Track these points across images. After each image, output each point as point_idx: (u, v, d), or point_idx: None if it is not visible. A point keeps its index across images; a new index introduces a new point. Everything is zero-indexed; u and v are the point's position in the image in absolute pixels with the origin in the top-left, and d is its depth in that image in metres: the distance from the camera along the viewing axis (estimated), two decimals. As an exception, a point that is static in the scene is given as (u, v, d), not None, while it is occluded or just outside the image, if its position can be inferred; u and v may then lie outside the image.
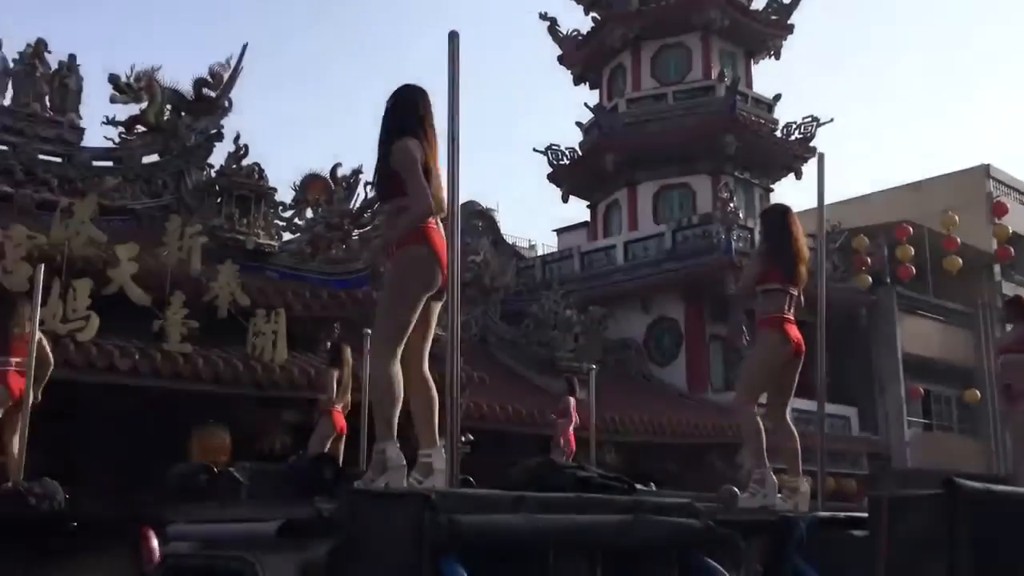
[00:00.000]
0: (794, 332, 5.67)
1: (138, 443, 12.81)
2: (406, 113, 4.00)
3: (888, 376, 23.29)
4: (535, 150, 25.10)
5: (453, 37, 3.68)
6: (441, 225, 3.91)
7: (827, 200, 5.69)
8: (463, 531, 2.51)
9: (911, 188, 27.32)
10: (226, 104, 15.94)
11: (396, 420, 3.62)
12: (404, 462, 3.42)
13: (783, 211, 5.98)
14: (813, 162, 23.59)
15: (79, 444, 12.71)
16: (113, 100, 15.24)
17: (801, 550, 4.43)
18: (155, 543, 5.66)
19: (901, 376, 23.20)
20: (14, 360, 7.05)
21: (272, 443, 12.46)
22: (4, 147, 14.15)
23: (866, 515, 4.34)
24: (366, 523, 2.64)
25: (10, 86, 14.58)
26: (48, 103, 14.77)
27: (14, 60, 14.61)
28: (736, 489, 5.33)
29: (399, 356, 3.74)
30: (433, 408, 3.72)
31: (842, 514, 4.95)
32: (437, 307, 3.94)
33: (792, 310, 5.72)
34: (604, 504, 2.95)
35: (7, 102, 14.46)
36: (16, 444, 6.82)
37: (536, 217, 67.47)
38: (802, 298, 5.86)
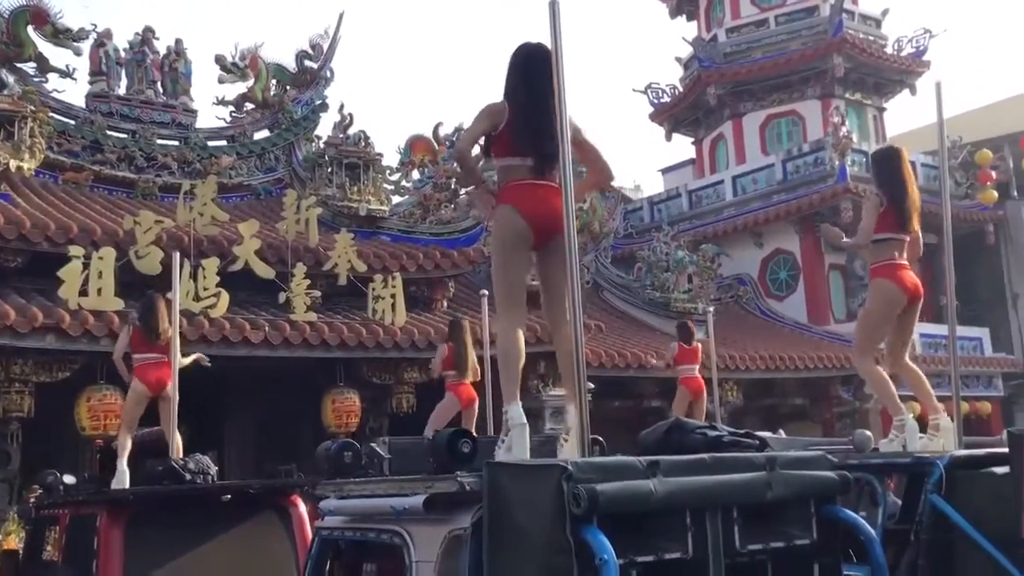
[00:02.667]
0: (909, 278, 5.56)
1: (275, 409, 13.45)
2: (506, 78, 4.06)
3: (1021, 292, 22.35)
4: (635, 90, 24.77)
5: (554, 5, 3.67)
6: (550, 177, 3.88)
7: (946, 113, 5.52)
8: (601, 500, 2.59)
9: (1036, 94, 25.85)
10: (328, 75, 16.28)
11: (517, 380, 3.70)
12: (524, 421, 3.50)
13: (890, 155, 5.83)
14: (928, 77, 22.74)
15: (221, 414, 13.40)
16: (221, 80, 15.74)
17: (939, 490, 4.37)
18: (303, 510, 5.97)
19: (1034, 292, 22.25)
20: (152, 356, 7.38)
21: (399, 402, 12.88)
22: (124, 135, 14.81)
23: (1006, 451, 4.25)
24: (507, 495, 2.75)
25: (123, 75, 15.19)
26: (160, 88, 15.34)
27: (124, 50, 15.19)
28: (869, 433, 5.28)
29: (515, 315, 3.82)
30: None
31: (981, 451, 4.85)
32: (552, 259, 3.91)
33: (904, 255, 5.60)
34: (737, 463, 2.98)
35: (122, 91, 15.07)
36: (169, 425, 7.20)
37: (641, 158, 66.57)
38: (920, 237, 5.71)
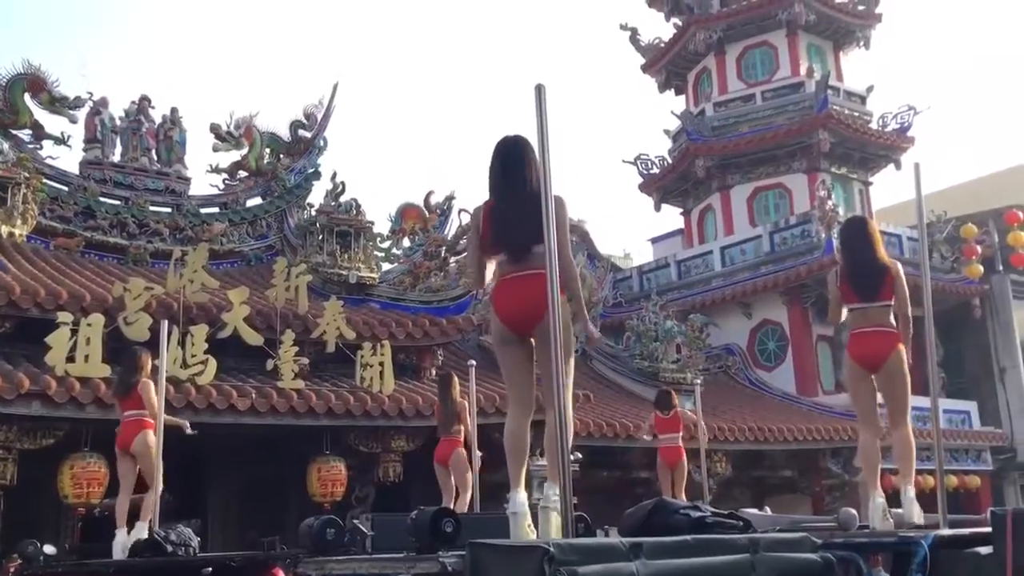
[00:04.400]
0: (862, 346, 5.66)
1: (259, 477, 13.32)
2: (489, 176, 4.19)
3: (1008, 366, 22.44)
4: (624, 161, 25.12)
5: (540, 90, 3.77)
6: (527, 265, 3.95)
7: (931, 188, 5.68)
8: (583, 582, 2.60)
9: (1018, 170, 26.30)
10: (321, 143, 16.47)
11: (519, 468, 3.75)
12: (526, 510, 3.54)
13: (845, 226, 6.11)
14: (912, 152, 23.12)
15: (205, 482, 13.26)
16: (215, 148, 15.90)
17: (924, 570, 4.37)
18: (285, 583, 5.91)
19: (1022, 365, 22.32)
20: (127, 413, 7.39)
21: (386, 471, 12.78)
22: (116, 201, 14.89)
23: (989, 530, 4.27)
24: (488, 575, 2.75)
25: (118, 142, 15.33)
26: (155, 156, 15.48)
27: (120, 117, 15.35)
28: (854, 511, 5.29)
29: (518, 407, 3.88)
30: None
31: (965, 531, 4.86)
32: (540, 342, 3.98)
33: (868, 322, 5.69)
34: (720, 545, 2.99)
35: (116, 158, 15.20)
36: (149, 493, 7.15)
37: (630, 228, 67.15)
38: (898, 297, 5.80)
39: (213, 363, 11.37)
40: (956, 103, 64.54)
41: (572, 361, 3.94)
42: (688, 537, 2.99)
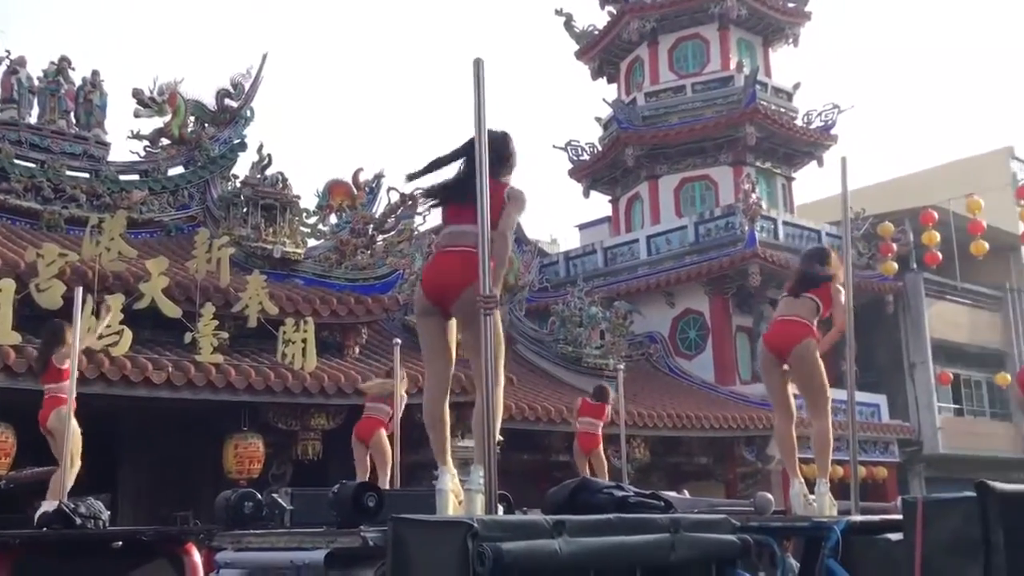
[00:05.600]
0: (770, 332, 5.89)
1: (175, 453, 13.04)
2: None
3: (918, 362, 23.18)
4: (555, 147, 25.17)
5: (478, 64, 3.74)
6: (459, 243, 3.96)
7: (850, 186, 5.78)
8: (506, 559, 2.58)
9: (935, 172, 27.11)
10: (248, 114, 16.10)
11: (443, 443, 3.72)
12: (448, 487, 3.51)
13: (815, 248, 6.40)
14: (835, 150, 23.64)
15: (118, 457, 12.93)
16: (137, 114, 15.41)
17: (836, 555, 4.47)
18: (198, 560, 5.78)
19: (930, 361, 23.08)
20: (46, 388, 7.19)
21: (304, 449, 12.63)
22: (32, 164, 14.34)
23: (900, 518, 4.37)
24: (411, 552, 2.72)
25: (35, 104, 14.77)
26: (74, 119, 14.95)
27: (39, 78, 14.79)
28: (770, 496, 5.39)
29: (433, 382, 3.85)
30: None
31: (876, 518, 4.99)
32: (459, 320, 3.96)
33: (786, 311, 5.88)
34: (642, 524, 3.01)
35: (33, 120, 14.64)
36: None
37: (558, 214, 67.46)
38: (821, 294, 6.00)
39: (129, 334, 11.07)
40: (877, 104, 66.28)
41: (503, 349, 3.92)
42: (611, 516, 3.00)
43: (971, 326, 24.34)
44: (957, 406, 24.55)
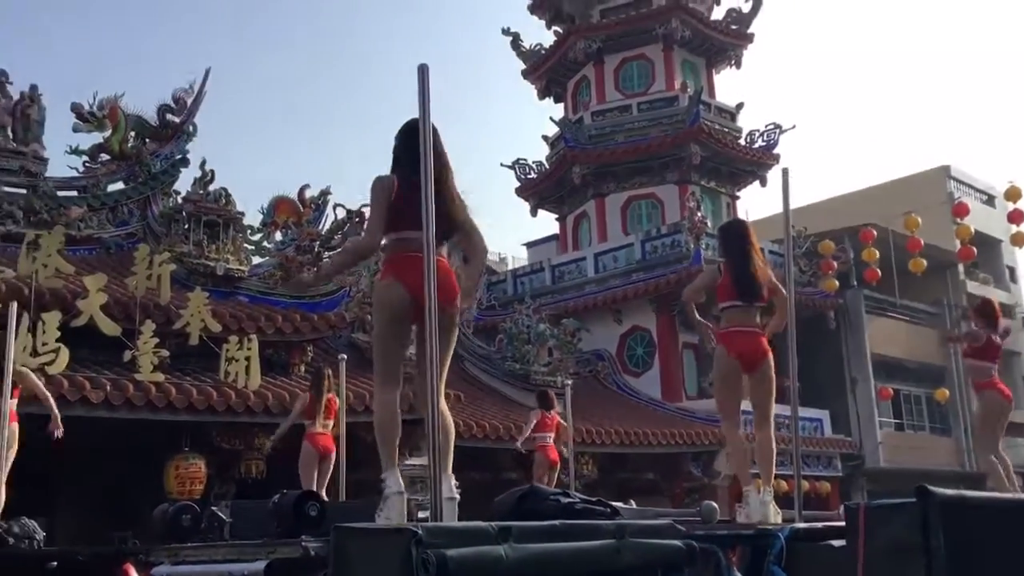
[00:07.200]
0: (742, 343, 5.77)
1: (113, 474, 12.71)
2: (394, 150, 4.15)
3: (858, 377, 23.55)
4: (502, 164, 25.28)
5: (423, 70, 3.72)
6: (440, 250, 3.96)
7: (792, 205, 5.81)
8: (450, 565, 2.54)
9: (874, 191, 27.70)
10: (190, 129, 15.88)
11: (393, 448, 3.68)
12: (401, 489, 3.46)
13: (731, 228, 6.24)
14: (777, 169, 24.02)
15: (54, 478, 12.57)
16: (76, 129, 15.11)
17: (780, 562, 4.49)
18: (136, 579, 5.64)
19: (871, 377, 23.47)
20: None
21: (248, 468, 12.41)
22: (-34, 180, 13.99)
23: (843, 524, 4.41)
24: (354, 560, 2.66)
25: (-29, 118, 14.41)
26: (11, 134, 14.61)
27: (-26, 92, 14.45)
28: (715, 504, 5.40)
29: (392, 386, 3.81)
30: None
31: (819, 524, 5.02)
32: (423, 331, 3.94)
33: (751, 322, 5.83)
34: (588, 530, 2.99)
35: (-32, 135, 14.29)
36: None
37: (505, 231, 67.67)
38: (784, 306, 5.93)
39: (65, 352, 10.81)
40: (817, 124, 67.63)
41: (450, 352, 3.90)
42: (556, 522, 2.98)
43: (910, 342, 24.81)
44: (898, 421, 24.98)
